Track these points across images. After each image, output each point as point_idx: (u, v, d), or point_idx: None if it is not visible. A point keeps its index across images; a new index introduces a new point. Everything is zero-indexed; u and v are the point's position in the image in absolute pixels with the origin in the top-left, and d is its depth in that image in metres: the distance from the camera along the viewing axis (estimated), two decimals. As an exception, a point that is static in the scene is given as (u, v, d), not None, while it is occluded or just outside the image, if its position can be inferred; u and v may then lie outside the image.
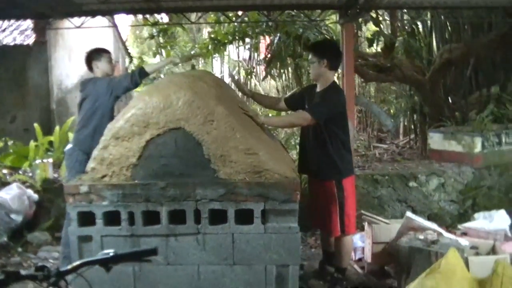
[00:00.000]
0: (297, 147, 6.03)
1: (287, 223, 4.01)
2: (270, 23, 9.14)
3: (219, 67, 16.40)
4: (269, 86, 13.96)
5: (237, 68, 14.35)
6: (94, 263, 2.14)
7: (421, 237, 5.01)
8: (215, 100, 4.17)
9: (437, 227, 5.29)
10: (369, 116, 11.39)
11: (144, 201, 4.01)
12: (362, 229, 5.93)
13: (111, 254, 2.15)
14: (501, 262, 4.37)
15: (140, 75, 5.50)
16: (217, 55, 11.79)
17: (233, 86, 6.02)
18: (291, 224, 4.01)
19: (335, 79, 5.71)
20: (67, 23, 8.78)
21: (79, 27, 8.25)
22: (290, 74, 11.99)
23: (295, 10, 8.45)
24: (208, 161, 4.04)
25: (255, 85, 13.62)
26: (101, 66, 5.65)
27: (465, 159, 7.27)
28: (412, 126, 10.31)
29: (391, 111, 10.86)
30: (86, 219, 4.07)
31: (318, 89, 5.02)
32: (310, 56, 5.08)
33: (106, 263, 2.14)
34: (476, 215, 6.43)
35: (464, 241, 5.19)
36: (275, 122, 5.51)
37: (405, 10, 9.32)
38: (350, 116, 5.89)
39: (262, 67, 12.92)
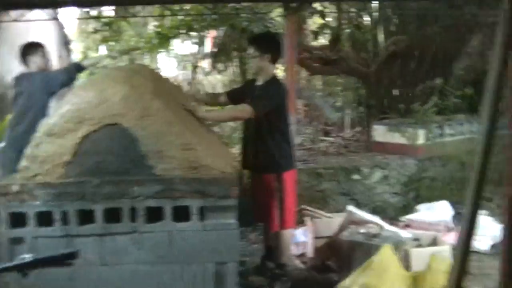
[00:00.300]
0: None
1: (225, 219, 3.94)
2: (215, 16, 9.03)
3: (165, 62, 16.16)
4: (215, 80, 13.84)
5: (182, 63, 14.16)
6: (10, 270, 2.04)
7: (363, 231, 5.02)
8: (152, 94, 4.07)
9: (379, 220, 5.32)
10: (316, 110, 11.39)
11: (78, 199, 3.88)
12: (304, 223, 5.91)
13: (27, 259, 2.05)
14: (436, 256, 4.40)
15: (77, 70, 5.35)
16: (163, 49, 11.60)
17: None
18: (230, 221, 3.94)
19: (277, 71, 5.66)
20: (7, 16, 8.49)
21: (18, 20, 7.99)
22: (236, 68, 11.90)
23: (241, 3, 8.36)
24: (145, 157, 3.93)
25: (202, 79, 13.47)
26: (35, 61, 5.48)
27: (409, 151, 7.34)
28: (358, 119, 10.35)
29: (338, 104, 10.89)
30: (19, 220, 3.93)
31: (259, 83, 4.97)
32: (252, 50, 5.01)
33: (22, 269, 2.04)
34: (419, 206, 6.50)
35: (406, 234, 5.22)
36: (215, 116, 5.43)
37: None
38: (292, 109, 5.84)
39: (208, 61, 12.78)
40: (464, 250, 2.37)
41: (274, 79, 4.98)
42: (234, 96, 5.28)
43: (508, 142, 2.27)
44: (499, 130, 2.25)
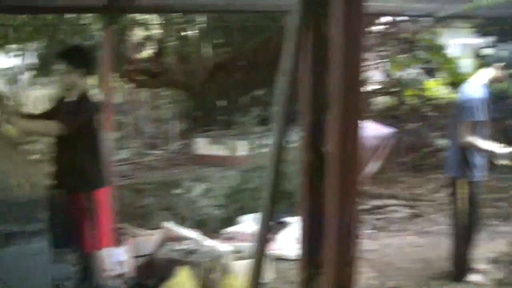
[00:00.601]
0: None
1: (34, 243, 3.68)
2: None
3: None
4: (38, 95, 13.16)
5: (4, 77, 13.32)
6: None
7: (180, 247, 4.92)
8: None
9: (197, 235, 5.25)
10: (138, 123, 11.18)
11: None
12: (124, 242, 5.69)
13: None
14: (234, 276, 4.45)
15: None
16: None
17: None
18: (39, 244, 3.69)
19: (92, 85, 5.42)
20: None
21: None
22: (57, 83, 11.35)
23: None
24: None
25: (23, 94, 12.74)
26: None
27: (230, 162, 7.38)
28: (184, 132, 10.30)
29: (163, 116, 10.76)
30: None
31: (71, 98, 4.69)
32: (64, 65, 4.72)
33: None
34: (242, 218, 6.53)
35: (226, 247, 5.20)
36: (24, 126, 4.99)
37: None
38: (107, 125, 5.62)
39: (29, 75, 12.13)
40: (258, 259, 2.34)
41: (84, 95, 4.71)
42: (49, 112, 4.93)
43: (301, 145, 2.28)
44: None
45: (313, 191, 2.24)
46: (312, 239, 2.26)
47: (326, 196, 2.06)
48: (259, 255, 2.35)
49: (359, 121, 2.03)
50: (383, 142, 2.57)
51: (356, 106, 1.99)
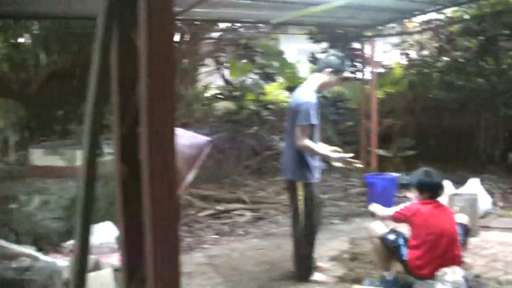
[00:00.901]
0: None
1: None
2: None
3: None
4: None
5: None
6: None
7: (14, 265, 4.65)
8: None
9: (32, 251, 5.00)
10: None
11: None
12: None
13: None
14: None
15: None
16: None
17: None
18: None
19: None
20: None
21: None
22: None
23: None
24: None
25: None
26: None
27: (69, 173, 7.07)
28: (19, 143, 9.78)
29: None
30: None
31: None
32: None
33: None
34: (83, 230, 6.29)
35: (64, 261, 5.00)
36: None
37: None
38: None
39: None
40: (78, 273, 2.24)
41: None
42: None
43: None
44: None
45: (130, 204, 2.18)
46: (132, 253, 2.20)
47: (144, 208, 2.01)
48: (79, 269, 2.25)
49: (172, 132, 2.00)
50: (199, 151, 2.57)
51: (168, 116, 1.96)
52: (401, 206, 5.13)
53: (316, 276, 5.40)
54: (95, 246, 5.77)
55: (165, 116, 1.98)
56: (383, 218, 5.21)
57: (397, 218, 5.05)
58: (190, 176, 2.62)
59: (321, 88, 5.53)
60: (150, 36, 1.90)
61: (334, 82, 5.54)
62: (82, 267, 2.25)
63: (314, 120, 5.22)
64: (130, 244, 2.20)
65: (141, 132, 2.00)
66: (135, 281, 2.21)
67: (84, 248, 2.23)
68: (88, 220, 2.22)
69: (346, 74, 5.57)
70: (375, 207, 5.27)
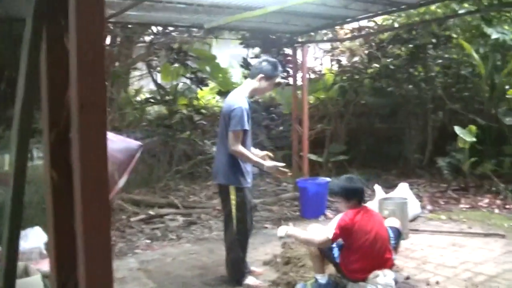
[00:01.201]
0: None
1: None
2: None
3: None
4: None
5: None
6: None
7: None
8: None
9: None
10: None
11: None
12: None
13: None
14: None
15: None
16: None
17: None
18: None
19: None
20: None
21: None
22: None
23: None
24: None
25: None
26: None
27: (-3, 178, 6.88)
28: None
29: None
30: None
31: None
32: None
33: None
34: (10, 236, 6.12)
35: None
36: None
37: None
38: None
39: None
40: (7, 277, 2.19)
41: None
42: None
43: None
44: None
45: (60, 209, 2.14)
46: (63, 262, 2.15)
47: (75, 215, 1.97)
48: (7, 276, 2.19)
49: (104, 137, 1.98)
50: (130, 155, 2.55)
51: (100, 122, 1.94)
52: (334, 223, 4.98)
53: (249, 280, 5.42)
54: (24, 252, 5.62)
55: (97, 122, 1.95)
56: (298, 240, 5.25)
57: (337, 238, 4.94)
58: (121, 181, 2.59)
59: (253, 94, 5.56)
60: (80, 40, 1.88)
61: (266, 87, 5.58)
62: (10, 273, 2.19)
63: (246, 125, 5.24)
64: (61, 251, 2.16)
65: (72, 138, 1.97)
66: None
67: (13, 254, 2.17)
68: (17, 226, 2.16)
69: (278, 79, 5.61)
70: (284, 230, 5.12)
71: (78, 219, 1.97)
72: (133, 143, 2.91)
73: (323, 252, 5.02)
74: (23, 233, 6.15)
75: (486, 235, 7.03)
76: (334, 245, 4.99)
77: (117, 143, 2.59)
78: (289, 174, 5.66)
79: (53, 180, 2.16)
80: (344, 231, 4.86)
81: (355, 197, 5.07)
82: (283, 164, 5.44)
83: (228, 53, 16.47)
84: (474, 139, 9.20)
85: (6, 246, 2.16)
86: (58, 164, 2.18)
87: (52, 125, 2.17)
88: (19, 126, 2.08)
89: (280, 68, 5.57)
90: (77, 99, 1.90)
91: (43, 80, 2.17)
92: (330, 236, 4.82)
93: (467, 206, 8.73)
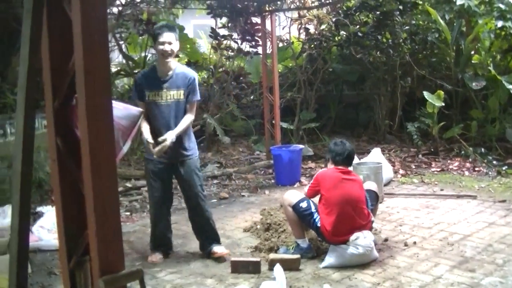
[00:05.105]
0: None
1: None
2: None
3: None
4: None
5: None
6: None
7: None
8: None
9: None
10: None
11: None
12: None
13: None
14: None
15: None
16: None
17: None
18: None
19: None
20: None
21: None
22: None
23: None
24: None
25: None
26: None
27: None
28: None
29: None
30: None
31: None
32: None
33: None
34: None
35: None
36: None
37: None
38: None
39: None
40: (18, 253, 2.21)
41: None
42: None
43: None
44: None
45: (67, 178, 2.16)
46: (72, 227, 2.18)
47: (82, 181, 2.00)
48: (19, 249, 2.21)
49: (109, 101, 2.00)
50: (133, 122, 2.56)
51: (105, 86, 1.96)
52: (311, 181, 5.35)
53: (216, 248, 5.40)
54: (5, 228, 5.59)
55: (102, 88, 1.98)
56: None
57: (311, 194, 5.28)
58: (125, 147, 2.61)
59: (158, 62, 5.32)
60: (83, 7, 1.89)
61: (157, 50, 5.22)
62: (21, 246, 2.21)
63: (134, 95, 5.27)
64: (68, 218, 2.19)
65: (77, 103, 1.98)
66: (76, 254, 2.20)
67: (21, 226, 2.19)
68: (25, 198, 2.17)
69: (162, 39, 5.07)
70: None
71: (87, 183, 1.99)
72: (135, 110, 2.92)
73: (303, 218, 5.12)
74: (0, 209, 6.12)
75: (458, 196, 7.24)
76: (313, 210, 5.08)
77: (120, 110, 2.59)
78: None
79: (58, 147, 2.17)
80: (318, 180, 5.20)
81: (342, 160, 5.26)
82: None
83: (193, 24, 16.37)
84: (442, 104, 9.36)
85: (15, 218, 2.17)
86: (61, 133, 2.20)
87: (55, 93, 2.18)
88: (26, 94, 2.09)
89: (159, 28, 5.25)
90: (82, 65, 1.91)
91: (44, 48, 2.18)
92: (305, 193, 5.28)
93: (438, 169, 8.95)
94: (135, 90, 5.26)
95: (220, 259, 5.29)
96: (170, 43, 5.07)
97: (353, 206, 5.00)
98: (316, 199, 5.26)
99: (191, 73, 5.35)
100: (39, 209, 6.57)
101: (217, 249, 5.35)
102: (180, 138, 5.17)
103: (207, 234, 5.44)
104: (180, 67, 5.38)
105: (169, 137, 5.00)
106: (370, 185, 5.64)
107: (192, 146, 5.38)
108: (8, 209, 6.00)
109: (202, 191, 5.41)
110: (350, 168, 5.45)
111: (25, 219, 2.20)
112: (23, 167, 2.13)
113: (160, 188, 5.37)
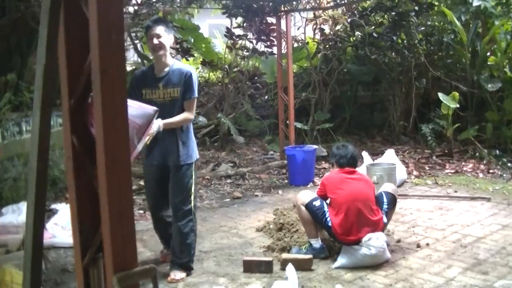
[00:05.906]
0: None
1: None
2: None
3: None
4: None
5: None
6: None
7: None
8: None
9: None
10: None
11: None
12: None
13: None
14: (8, 270, 4.17)
15: None
16: None
17: None
18: None
19: None
20: None
21: None
22: None
23: None
24: None
25: None
26: None
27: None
28: None
29: None
30: None
31: None
32: None
33: None
34: (4, 209, 6.14)
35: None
36: None
37: None
38: None
39: None
40: (33, 250, 2.23)
41: None
42: None
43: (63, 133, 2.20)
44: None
45: (82, 175, 2.18)
46: (86, 224, 2.21)
47: (97, 179, 2.02)
48: (34, 246, 2.24)
49: (124, 100, 2.02)
50: (148, 120, 2.57)
51: (118, 87, 1.97)
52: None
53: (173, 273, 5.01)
54: (21, 225, 5.63)
55: (118, 87, 2.00)
56: None
57: (321, 196, 5.28)
58: (140, 145, 2.63)
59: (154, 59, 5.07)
60: (100, 7, 1.91)
61: (149, 44, 4.92)
62: (36, 244, 2.24)
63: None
64: (83, 216, 2.21)
65: (93, 102, 2.01)
66: (90, 251, 2.22)
67: (36, 223, 2.21)
68: (41, 195, 2.20)
69: (150, 32, 4.79)
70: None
71: (102, 180, 2.01)
72: (150, 108, 2.94)
73: (316, 217, 5.12)
74: (15, 206, 6.18)
75: (472, 198, 7.20)
76: (326, 209, 5.09)
77: (135, 108, 2.62)
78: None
79: (73, 145, 2.20)
80: (324, 184, 5.29)
81: (345, 162, 5.32)
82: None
83: (208, 23, 16.39)
84: (457, 106, 9.32)
85: (30, 215, 2.20)
86: (76, 131, 2.22)
87: (71, 92, 2.20)
88: (42, 92, 2.11)
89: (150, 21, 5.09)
90: (98, 65, 1.93)
91: (61, 47, 2.20)
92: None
93: (452, 171, 8.91)
94: (128, 89, 4.90)
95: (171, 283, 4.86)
96: (158, 36, 4.70)
97: (361, 203, 5.00)
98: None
99: (187, 68, 4.92)
100: (53, 206, 6.62)
101: (173, 274, 4.91)
102: (172, 141, 4.84)
103: (173, 252, 5.02)
104: (177, 64, 4.97)
105: (155, 124, 4.50)
106: (388, 186, 5.61)
107: (185, 152, 4.87)
108: (23, 206, 6.05)
109: (184, 204, 4.86)
110: (357, 169, 5.48)
111: (40, 216, 2.23)
112: (38, 165, 2.15)
113: (151, 191, 5.14)
